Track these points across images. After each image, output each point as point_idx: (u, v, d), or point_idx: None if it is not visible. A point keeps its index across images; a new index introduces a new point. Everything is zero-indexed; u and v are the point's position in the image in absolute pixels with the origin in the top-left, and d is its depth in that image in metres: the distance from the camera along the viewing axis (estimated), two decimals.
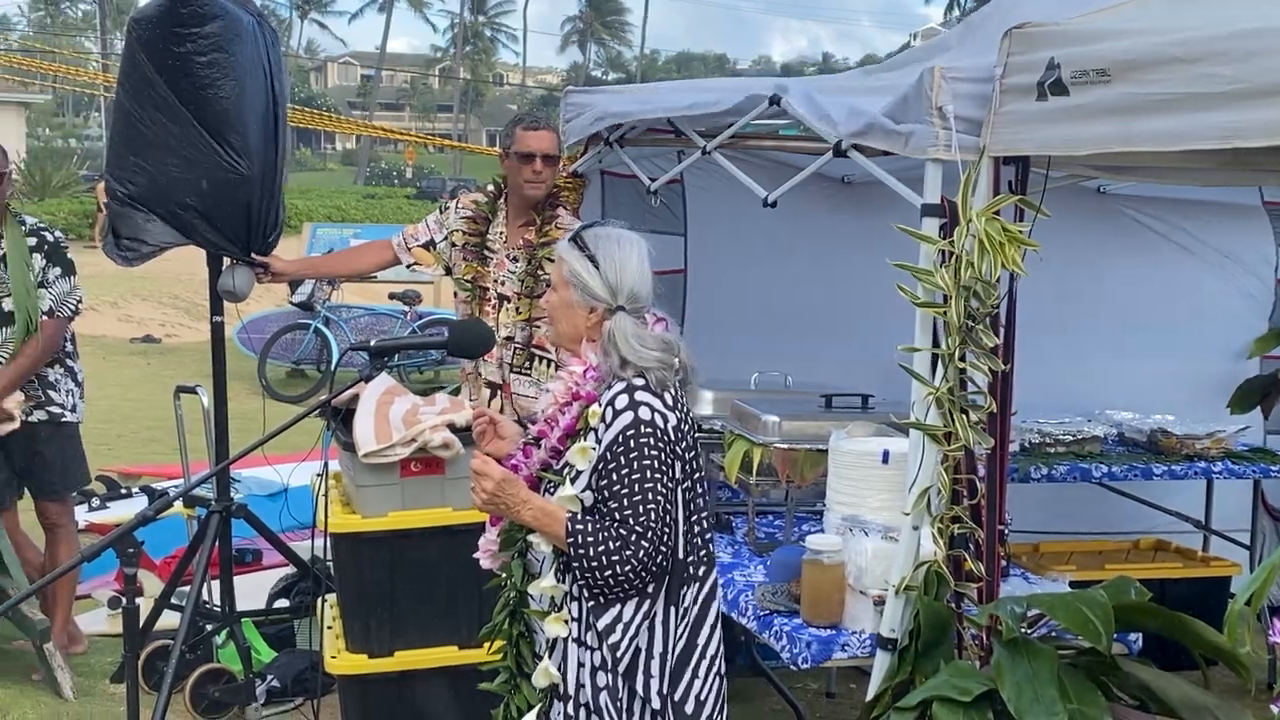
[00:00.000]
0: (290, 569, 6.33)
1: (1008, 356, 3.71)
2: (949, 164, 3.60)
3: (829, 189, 6.27)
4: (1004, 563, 4.05)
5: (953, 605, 3.73)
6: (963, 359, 3.59)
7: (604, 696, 3.18)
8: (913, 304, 3.69)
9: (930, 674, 3.57)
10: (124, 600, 3.49)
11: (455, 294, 5.70)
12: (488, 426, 3.58)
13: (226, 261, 5.71)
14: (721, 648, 3.39)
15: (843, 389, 4.87)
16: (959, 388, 3.62)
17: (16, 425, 5.91)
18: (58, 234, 6.22)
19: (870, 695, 3.70)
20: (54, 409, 6.04)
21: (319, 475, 4.95)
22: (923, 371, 3.68)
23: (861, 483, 4.19)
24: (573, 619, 3.22)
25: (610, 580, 3.09)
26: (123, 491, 8.36)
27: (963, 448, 3.63)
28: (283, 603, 6.29)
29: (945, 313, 3.59)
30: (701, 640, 3.30)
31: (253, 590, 6.22)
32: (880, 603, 3.78)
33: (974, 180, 3.54)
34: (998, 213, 3.51)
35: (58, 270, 6.02)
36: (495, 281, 5.50)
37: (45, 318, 5.94)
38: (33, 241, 6.00)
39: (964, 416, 3.60)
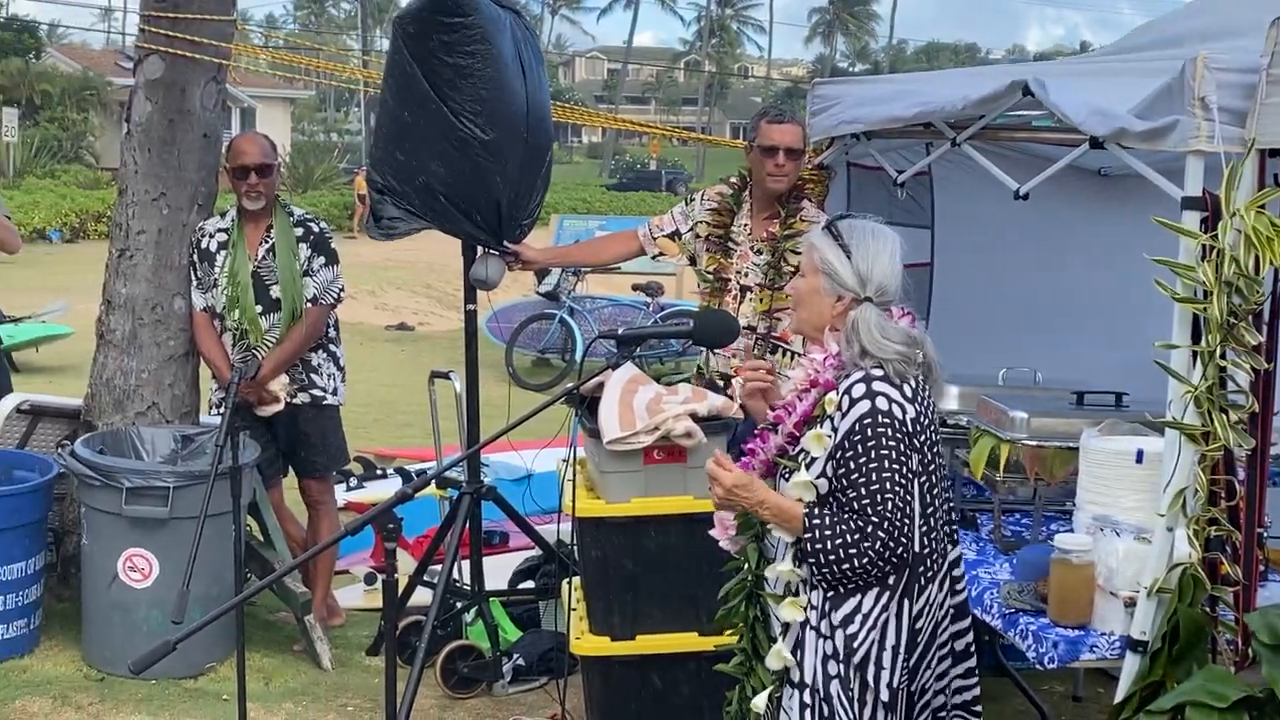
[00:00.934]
0: (535, 551, 6.44)
1: (1271, 354, 3.58)
2: (1211, 156, 3.49)
3: (1083, 181, 6.11)
4: (1262, 568, 3.91)
5: (1207, 609, 3.63)
6: (1223, 356, 3.49)
7: (835, 685, 3.19)
8: (1172, 300, 3.60)
9: (1182, 678, 3.48)
10: (383, 575, 3.59)
11: (698, 285, 5.72)
12: (761, 382, 3.61)
13: (479, 251, 5.84)
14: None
15: (1094, 386, 4.75)
16: (1218, 386, 3.52)
17: (281, 407, 6.14)
18: (323, 224, 6.43)
19: (1119, 698, 3.61)
20: (317, 392, 6.25)
21: (565, 461, 5.03)
22: (1180, 369, 3.58)
23: (1114, 482, 4.09)
24: (811, 606, 3.24)
25: (848, 571, 3.11)
26: (378, 472, 8.61)
27: (1221, 448, 3.53)
28: (527, 584, 6.40)
29: (1206, 309, 3.49)
30: (943, 635, 3.30)
31: (498, 571, 6.34)
32: (1131, 604, 3.69)
33: (1239, 173, 3.43)
34: (1263, 206, 3.39)
35: (322, 259, 6.23)
36: (738, 273, 5.52)
37: (309, 305, 6.15)
38: (299, 232, 6.22)
39: (1223, 416, 3.49)
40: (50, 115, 42.77)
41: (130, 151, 6.36)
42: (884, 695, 3.17)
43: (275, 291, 6.11)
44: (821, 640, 3.20)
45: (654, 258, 6.60)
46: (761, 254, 5.47)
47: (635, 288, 15.78)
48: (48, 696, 5.46)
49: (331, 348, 6.37)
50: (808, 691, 3.22)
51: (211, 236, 6.19)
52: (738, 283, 5.51)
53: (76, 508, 5.97)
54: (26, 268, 7.45)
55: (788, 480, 3.26)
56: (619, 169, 65.53)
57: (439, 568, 5.89)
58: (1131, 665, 3.63)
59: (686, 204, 5.83)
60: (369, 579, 7.01)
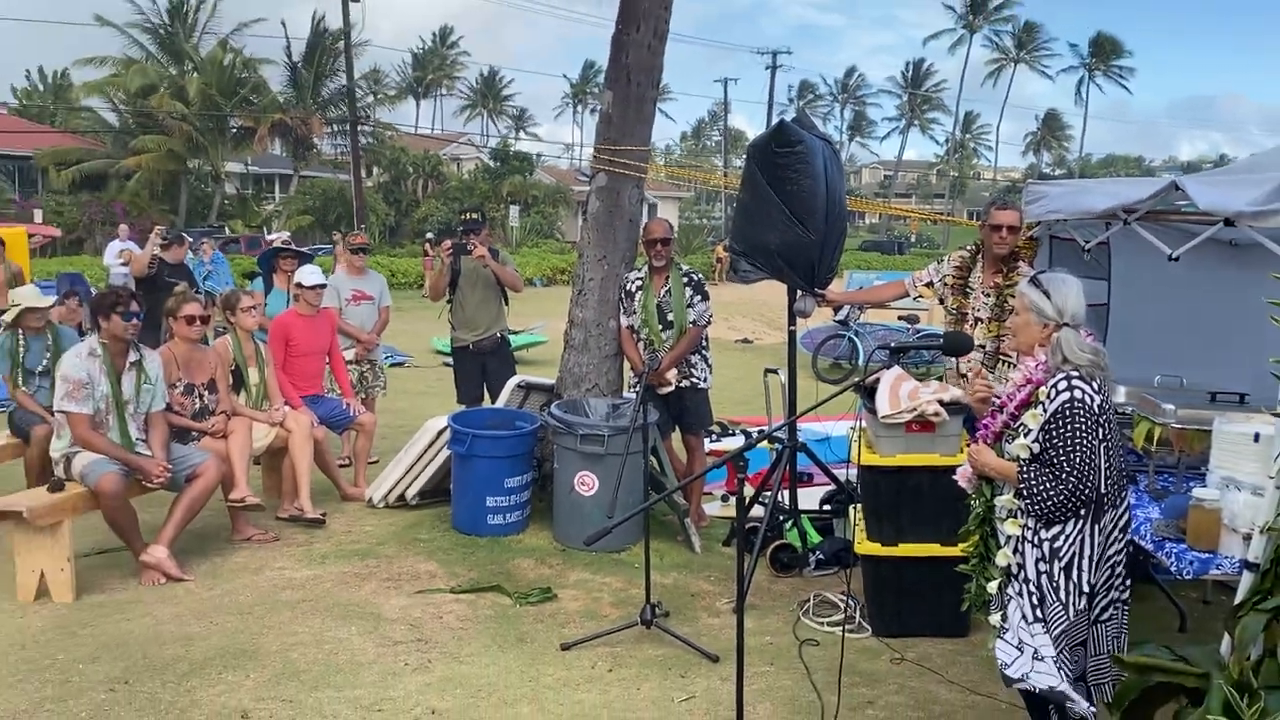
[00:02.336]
0: (831, 487, 6.43)
1: None
2: None
3: (1219, 249, 5.68)
4: None
5: None
6: None
7: (1044, 580, 3.22)
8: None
9: None
10: (734, 495, 3.70)
11: (945, 317, 5.62)
12: (985, 392, 3.64)
13: (799, 292, 5.90)
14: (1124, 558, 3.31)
15: (1225, 389, 4.48)
16: None
17: (673, 388, 6.32)
18: (699, 275, 6.58)
19: (1236, 601, 3.40)
20: (695, 379, 6.40)
21: (853, 428, 5.05)
22: None
23: (1237, 454, 3.85)
24: (1026, 527, 3.27)
25: (1051, 506, 3.15)
26: (729, 432, 8.72)
27: None
28: (826, 507, 6.41)
29: None
30: (1112, 551, 3.24)
31: (806, 498, 6.36)
32: (1248, 538, 3.48)
33: None
34: None
35: (699, 297, 6.39)
36: (973, 309, 5.40)
37: (691, 325, 6.31)
38: (685, 280, 6.39)
39: None
40: (537, 209, 44.78)
41: (586, 230, 6.67)
42: (1084, 586, 3.19)
43: (671, 317, 6.30)
44: (1035, 548, 3.24)
45: (915, 298, 6.50)
46: (989, 296, 5.34)
47: (900, 318, 15.50)
48: (532, 559, 5.78)
49: (704, 352, 6.51)
50: (1029, 583, 3.24)
51: (633, 282, 6.42)
52: (973, 315, 5.39)
53: (550, 445, 6.26)
54: (524, 301, 7.97)
55: (1010, 444, 3.32)
56: (864, 237, 63.52)
57: (769, 494, 5.98)
58: (1247, 580, 3.41)
59: (938, 263, 5.73)
60: (724, 498, 7.15)
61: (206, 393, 6.14)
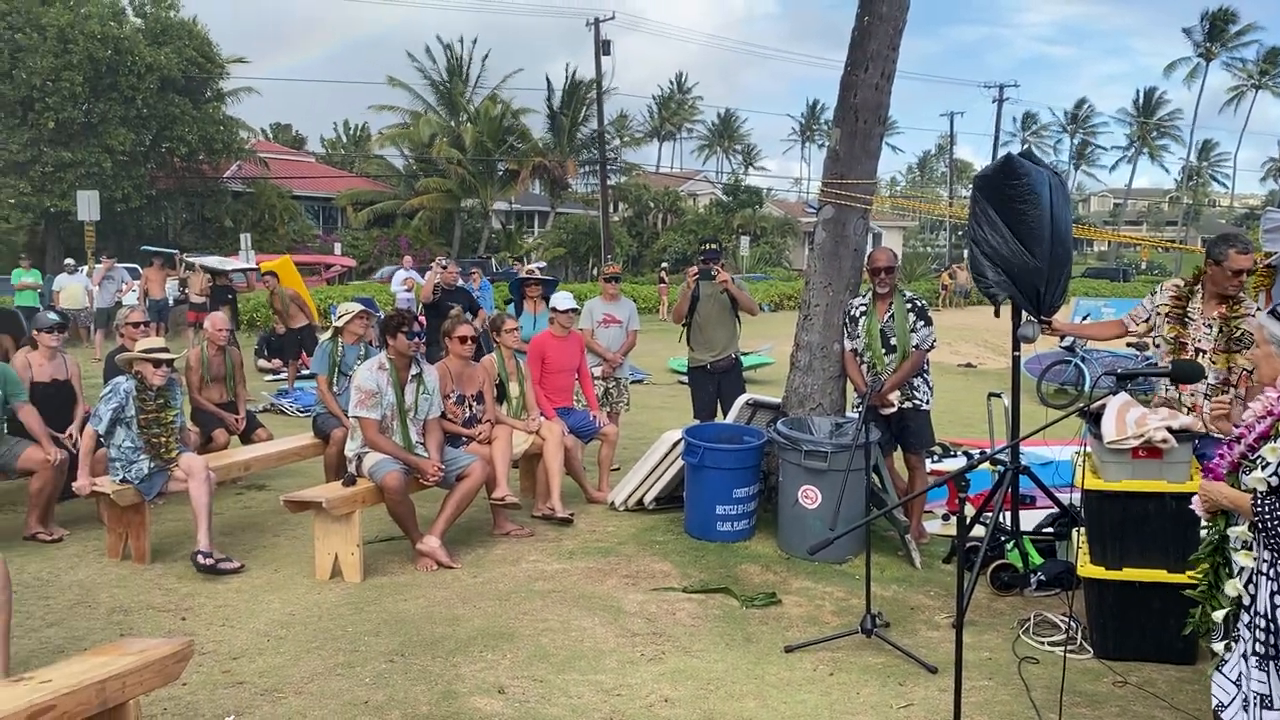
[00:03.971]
0: (1054, 510, 6.09)
1: None
2: None
3: None
4: None
5: None
6: None
7: (1279, 614, 2.90)
8: None
9: None
10: (955, 514, 3.58)
11: (1160, 346, 5.23)
12: (1223, 410, 3.46)
13: (1024, 317, 5.63)
14: None
15: None
16: None
17: (895, 409, 6.17)
18: (923, 301, 6.40)
19: None
20: (917, 400, 6.22)
21: (1077, 453, 4.76)
22: None
23: None
24: (1261, 559, 2.96)
25: None
26: (951, 453, 8.42)
27: None
28: (1049, 530, 6.07)
29: None
30: None
31: (1028, 519, 6.05)
32: None
33: None
34: None
35: (922, 322, 6.21)
36: (1193, 339, 5.01)
37: (914, 349, 6.15)
38: (909, 305, 6.23)
39: None
40: (765, 240, 44.75)
41: (813, 260, 6.62)
42: None
43: (894, 341, 6.16)
44: (1270, 582, 2.93)
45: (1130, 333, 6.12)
46: (1211, 327, 4.94)
47: (1129, 344, 14.47)
48: (758, 565, 5.77)
49: (926, 375, 6.33)
50: (1258, 616, 2.95)
51: (857, 308, 6.32)
52: (1193, 345, 5.00)
53: (776, 460, 6.22)
54: (751, 325, 8.04)
55: (1247, 476, 3.00)
56: (1090, 264, 59.19)
57: (990, 514, 5.73)
58: None
59: (1151, 296, 5.35)
60: (945, 517, 6.90)
61: (475, 403, 6.50)
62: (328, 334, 7.47)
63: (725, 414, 7.25)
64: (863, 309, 6.26)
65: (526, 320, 8.68)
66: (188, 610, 5.03)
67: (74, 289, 17.77)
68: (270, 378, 13.98)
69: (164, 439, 5.85)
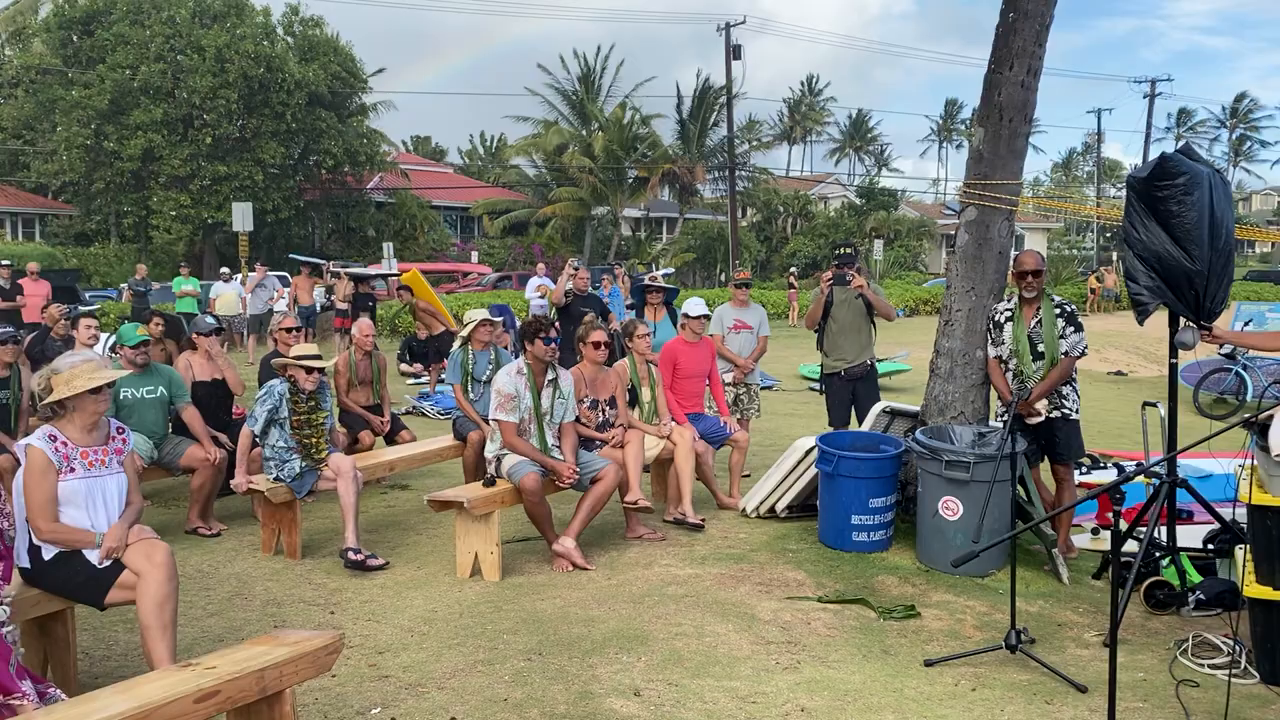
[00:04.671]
0: (1214, 525, 5.76)
1: None
2: None
3: None
4: None
5: None
6: None
7: None
8: None
9: None
10: (1106, 529, 3.44)
11: None
12: None
13: (1181, 322, 5.36)
14: None
15: None
16: None
17: (1042, 418, 5.94)
18: (1072, 306, 6.17)
19: None
20: (1066, 410, 5.98)
21: (1241, 466, 4.51)
22: None
23: None
24: None
25: None
26: (1100, 464, 8.07)
27: None
28: (1209, 547, 5.75)
29: None
30: None
31: (1186, 536, 5.75)
32: None
33: None
34: None
35: (1072, 328, 5.97)
36: None
37: (1063, 356, 5.93)
38: (1058, 310, 6.01)
39: None
40: (900, 243, 43.87)
41: (954, 263, 6.46)
42: None
43: (1041, 348, 5.94)
44: None
45: None
46: None
47: None
48: (895, 576, 5.65)
49: (1075, 383, 6.09)
50: None
51: (1001, 313, 6.14)
52: None
53: (914, 469, 6.10)
54: (886, 330, 7.90)
55: None
56: (1252, 266, 55.61)
57: (1145, 529, 5.47)
58: None
59: None
60: (1095, 531, 6.62)
61: (608, 408, 6.58)
62: (457, 343, 7.69)
63: (860, 421, 7.15)
64: (1008, 314, 6.07)
65: (652, 327, 8.73)
66: (336, 605, 5.25)
67: (229, 296, 18.78)
68: (411, 381, 14.46)
69: (314, 440, 6.13)
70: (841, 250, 7.56)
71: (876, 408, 6.78)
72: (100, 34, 30.44)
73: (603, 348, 6.51)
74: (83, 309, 10.11)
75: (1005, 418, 5.41)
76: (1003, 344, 6.06)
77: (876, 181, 52.71)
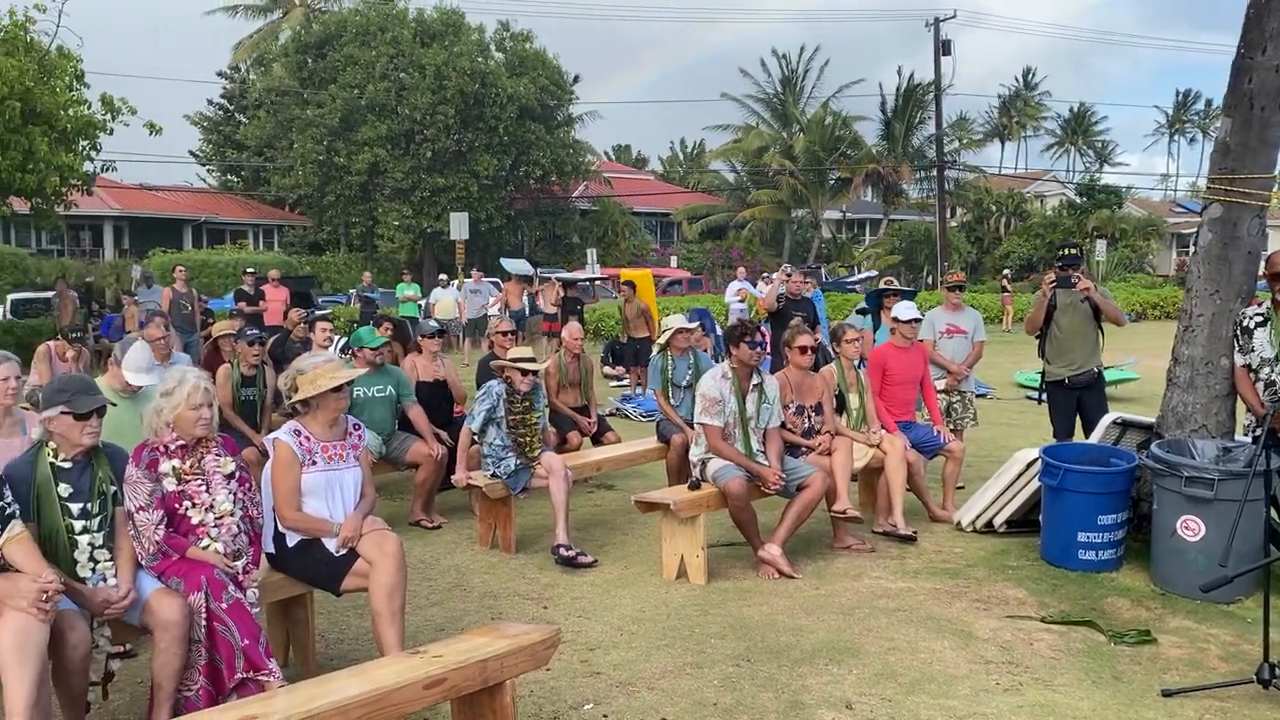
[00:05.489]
0: None
1: None
2: None
3: None
4: None
5: None
6: None
7: None
8: None
9: None
10: None
11: None
12: None
13: None
14: None
15: None
16: None
17: None
18: None
19: None
20: None
21: None
22: None
23: None
24: None
25: None
26: None
27: None
28: None
29: None
30: None
31: None
32: None
33: None
34: None
35: None
36: None
37: None
38: None
39: None
40: (1125, 243, 41.18)
41: (1196, 264, 5.98)
42: None
43: None
44: None
45: None
46: None
47: None
48: (1127, 599, 5.27)
49: None
50: None
51: (1251, 318, 5.64)
52: None
53: (1148, 485, 5.70)
54: (1113, 336, 7.39)
55: None
56: None
57: None
58: None
59: None
60: None
61: (814, 414, 6.49)
62: (656, 349, 7.80)
63: (1086, 432, 6.75)
64: (1259, 319, 5.57)
65: (886, 333, 8.54)
66: (548, 600, 5.41)
67: (446, 301, 19.75)
68: (615, 383, 14.76)
69: (528, 439, 6.35)
70: (1065, 251, 7.17)
71: (1106, 419, 6.38)
72: (332, 56, 32.76)
73: (809, 352, 6.42)
74: (318, 313, 10.88)
75: (1257, 432, 4.97)
76: (1252, 352, 5.57)
77: (1098, 178, 49.67)
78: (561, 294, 16.85)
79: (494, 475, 6.32)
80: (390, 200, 32.51)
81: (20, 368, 4.69)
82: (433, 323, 8.04)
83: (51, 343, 10.16)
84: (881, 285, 10.28)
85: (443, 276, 21.75)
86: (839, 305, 23.12)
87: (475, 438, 6.46)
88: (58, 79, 13.67)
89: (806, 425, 6.46)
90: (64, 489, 3.70)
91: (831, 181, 39.97)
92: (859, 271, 36.84)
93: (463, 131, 32.08)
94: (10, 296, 22.73)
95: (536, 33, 39.28)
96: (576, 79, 36.13)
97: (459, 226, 23.87)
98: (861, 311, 11.03)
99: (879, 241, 42.41)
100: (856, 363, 6.93)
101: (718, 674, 4.36)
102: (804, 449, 6.34)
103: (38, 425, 3.85)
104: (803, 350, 6.41)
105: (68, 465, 3.74)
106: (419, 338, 7.82)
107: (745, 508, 5.79)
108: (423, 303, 20.62)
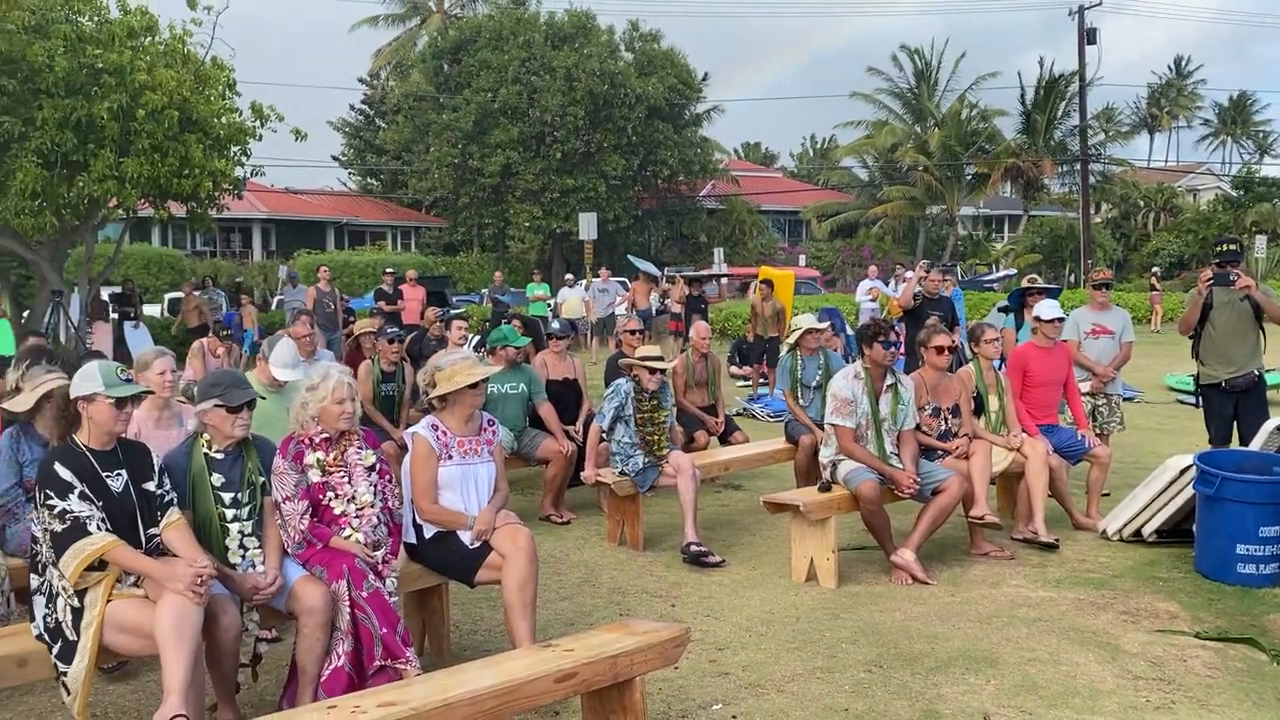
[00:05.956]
0: None
1: None
2: None
3: None
4: None
5: None
6: None
7: None
8: None
9: None
10: None
11: None
12: None
13: None
14: None
15: None
16: None
17: None
18: None
19: None
20: None
21: None
22: None
23: None
24: None
25: None
26: None
27: None
28: None
29: None
30: None
31: None
32: None
33: None
34: None
35: None
36: None
37: None
38: None
39: None
40: None
41: None
42: None
43: None
44: None
45: None
46: None
47: None
48: None
49: None
50: None
51: None
52: None
53: None
54: (1274, 336, 6.94)
55: None
56: None
57: None
58: None
59: None
60: None
61: (950, 416, 6.31)
62: (784, 349, 7.72)
63: (1243, 439, 6.36)
64: None
65: (1029, 332, 8.24)
66: (676, 598, 5.42)
67: (573, 300, 20.04)
68: (741, 383, 14.69)
69: (656, 437, 6.37)
70: (1224, 246, 6.78)
71: (1269, 425, 6.01)
72: (466, 61, 33.61)
73: (947, 353, 6.25)
74: (454, 312, 11.18)
75: None
76: None
77: (1257, 170, 46.83)
78: (686, 292, 16.85)
79: (622, 473, 6.36)
80: (521, 201, 33.15)
81: (176, 363, 4.97)
82: (562, 322, 8.16)
83: (204, 339, 10.74)
84: (1024, 283, 9.90)
85: (569, 276, 22.04)
86: (975, 304, 22.44)
87: (604, 435, 6.52)
88: (212, 88, 14.41)
89: (943, 428, 6.28)
90: (217, 479, 3.89)
91: (968, 177, 38.84)
92: (997, 269, 35.69)
93: (591, 132, 32.46)
94: (167, 295, 24.16)
95: (667, 31, 39.40)
96: (705, 77, 36.12)
97: (588, 227, 24.17)
98: (1003, 309, 10.65)
99: (1019, 238, 40.98)
100: (996, 363, 6.71)
101: (849, 679, 4.28)
102: (940, 452, 6.18)
103: (193, 417, 4.07)
104: (939, 350, 6.24)
105: (220, 456, 3.94)
106: (548, 337, 7.94)
107: (878, 511, 5.67)
108: (551, 302, 20.95)
